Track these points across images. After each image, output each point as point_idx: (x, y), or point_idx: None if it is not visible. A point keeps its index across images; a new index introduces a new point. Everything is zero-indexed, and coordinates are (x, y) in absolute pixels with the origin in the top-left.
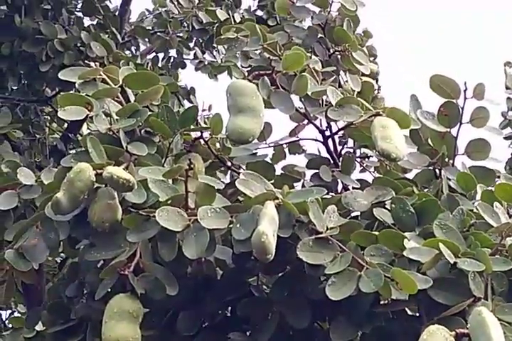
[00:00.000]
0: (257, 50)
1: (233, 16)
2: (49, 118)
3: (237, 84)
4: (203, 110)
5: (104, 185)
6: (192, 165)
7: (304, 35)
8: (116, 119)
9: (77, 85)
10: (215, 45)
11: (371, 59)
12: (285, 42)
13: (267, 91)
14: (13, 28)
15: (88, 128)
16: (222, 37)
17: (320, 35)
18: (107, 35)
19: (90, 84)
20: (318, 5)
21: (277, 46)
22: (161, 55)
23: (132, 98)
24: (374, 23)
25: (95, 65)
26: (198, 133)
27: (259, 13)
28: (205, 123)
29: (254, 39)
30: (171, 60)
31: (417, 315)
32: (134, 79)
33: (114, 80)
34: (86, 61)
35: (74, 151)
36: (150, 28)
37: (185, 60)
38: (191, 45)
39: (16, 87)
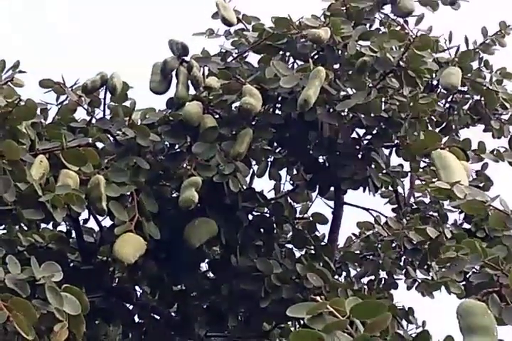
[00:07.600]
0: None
1: (444, 232)
2: None
3: (466, 305)
4: None
5: None
6: None
7: None
8: None
9: (306, 321)
10: (428, 263)
11: None
12: (505, 256)
13: (497, 309)
14: (230, 267)
15: None
16: (442, 257)
17: None
18: (320, 264)
19: (318, 318)
20: None
21: (499, 261)
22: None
23: (361, 328)
24: None
25: (321, 298)
26: None
27: (466, 225)
28: None
29: (475, 256)
30: (382, 282)
31: None
32: (361, 309)
33: (341, 312)
34: (311, 296)
35: None
36: (358, 251)
37: (396, 280)
38: (401, 263)
39: (234, 324)
